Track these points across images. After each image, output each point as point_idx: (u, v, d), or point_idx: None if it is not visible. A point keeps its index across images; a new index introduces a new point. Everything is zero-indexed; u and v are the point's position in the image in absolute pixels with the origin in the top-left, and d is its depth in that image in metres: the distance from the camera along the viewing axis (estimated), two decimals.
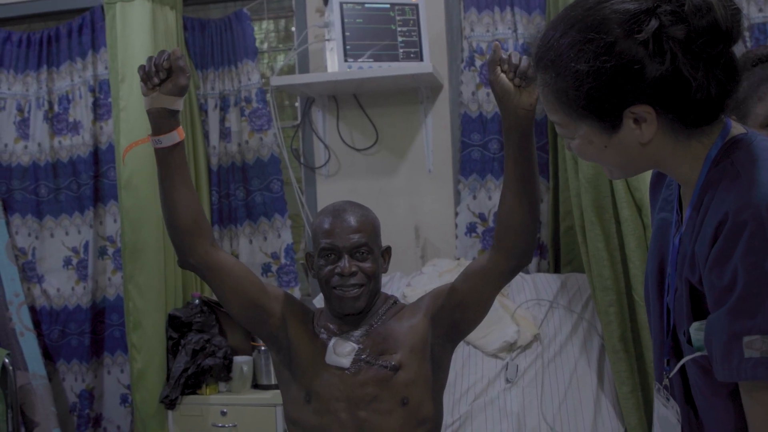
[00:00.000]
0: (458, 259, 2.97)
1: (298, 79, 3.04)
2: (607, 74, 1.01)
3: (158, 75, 1.58)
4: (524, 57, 1.49)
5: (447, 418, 2.37)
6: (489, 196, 3.09)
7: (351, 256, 1.68)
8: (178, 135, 1.63)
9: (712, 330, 1.01)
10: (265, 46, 3.53)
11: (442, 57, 3.14)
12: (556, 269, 3.00)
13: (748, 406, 0.99)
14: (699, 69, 1.00)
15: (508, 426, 2.34)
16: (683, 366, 1.12)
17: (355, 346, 1.70)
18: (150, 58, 1.59)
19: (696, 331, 1.06)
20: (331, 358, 1.70)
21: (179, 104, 1.62)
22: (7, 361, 2.94)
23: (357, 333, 1.72)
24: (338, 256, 1.68)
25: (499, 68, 1.51)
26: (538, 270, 3.05)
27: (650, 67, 1.00)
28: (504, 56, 1.50)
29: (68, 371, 3.39)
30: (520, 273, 2.89)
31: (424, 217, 3.18)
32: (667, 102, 1.02)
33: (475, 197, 3.09)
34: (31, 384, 3.16)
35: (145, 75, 1.59)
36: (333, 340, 1.72)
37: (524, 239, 1.63)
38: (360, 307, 1.69)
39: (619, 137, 1.06)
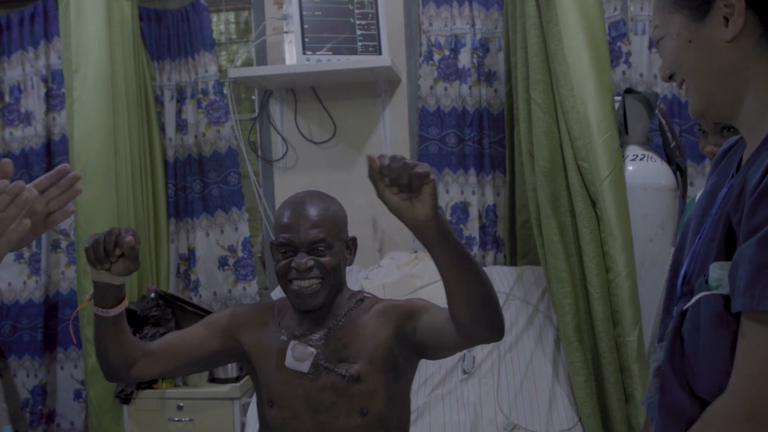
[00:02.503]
0: (416, 252, 2.98)
1: (255, 71, 3.03)
2: None
3: (109, 260, 1.50)
4: (403, 164, 1.27)
5: None
6: (446, 190, 3.12)
7: (309, 252, 1.63)
8: (123, 305, 1.58)
9: (740, 258, 0.96)
10: (224, 38, 3.50)
11: (401, 51, 3.15)
12: (513, 262, 3.04)
13: (754, 334, 0.95)
14: None
15: (466, 416, 2.36)
16: (680, 315, 1.10)
17: (313, 351, 1.66)
18: (98, 242, 1.48)
19: (717, 269, 1.02)
20: (289, 362, 1.66)
21: (125, 279, 1.56)
22: None
23: (316, 336, 1.68)
24: (295, 251, 1.63)
25: (381, 183, 1.30)
26: (495, 263, 3.09)
27: None
28: (384, 163, 1.28)
29: (20, 367, 3.33)
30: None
31: (382, 210, 3.15)
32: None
33: None
34: None
35: (95, 259, 1.49)
36: (291, 344, 1.68)
37: (482, 330, 1.46)
38: (318, 303, 1.65)
39: (705, 30, 1.08)
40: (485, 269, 2.85)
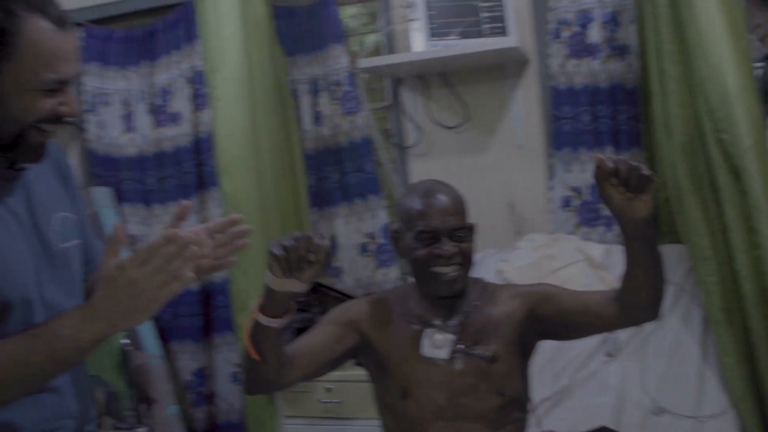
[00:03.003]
0: (553, 233, 2.96)
1: (384, 60, 3.08)
2: None
3: (302, 266, 1.43)
4: (630, 165, 1.39)
5: (546, 391, 2.40)
6: (583, 169, 3.06)
7: (450, 238, 1.67)
8: (293, 312, 1.53)
9: None
10: (352, 29, 3.57)
11: (529, 30, 3.12)
12: None
13: None
14: None
15: (609, 399, 2.34)
16: None
17: (452, 336, 1.69)
18: (289, 249, 1.40)
19: None
20: (427, 350, 1.70)
21: (309, 285, 1.50)
22: (125, 341, 3.12)
23: (453, 322, 1.71)
24: (436, 238, 1.66)
25: (607, 184, 1.42)
26: None
27: None
28: (611, 166, 1.39)
29: (182, 351, 3.57)
30: (618, 245, 2.87)
31: (516, 192, 3.18)
32: None
33: (568, 170, 3.07)
34: (149, 363, 3.34)
35: (287, 266, 1.41)
36: (427, 332, 1.71)
37: (651, 312, 1.63)
38: (458, 289, 1.69)
39: None
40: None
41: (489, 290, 1.78)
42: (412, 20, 3.03)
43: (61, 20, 1.28)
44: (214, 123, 3.13)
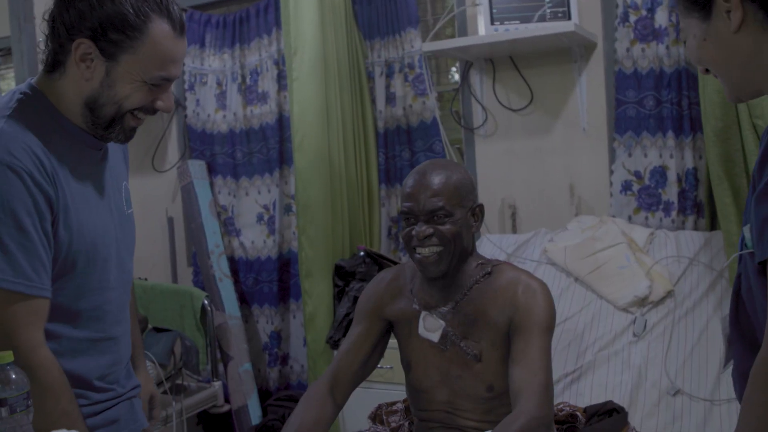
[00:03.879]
0: (606, 216, 2.98)
1: (447, 44, 3.18)
2: None
3: None
4: None
5: (569, 366, 2.46)
6: (644, 154, 3.06)
7: (428, 221, 1.69)
8: None
9: (749, 217, 1.12)
10: (429, 15, 3.69)
11: (596, 14, 3.13)
12: (713, 227, 2.92)
13: None
14: None
15: (629, 377, 2.37)
16: (737, 278, 1.24)
17: (442, 323, 1.75)
18: None
19: (747, 230, 1.16)
20: (421, 331, 1.78)
21: None
22: (206, 302, 3.41)
23: (444, 309, 1.76)
24: (416, 219, 1.70)
25: None
26: (695, 228, 2.97)
27: None
28: None
29: (261, 314, 3.84)
30: (664, 230, 2.86)
31: (578, 175, 3.21)
32: None
33: (630, 155, 3.08)
34: (227, 323, 3.63)
35: None
36: (422, 314, 1.78)
37: None
38: (441, 270, 1.71)
39: (714, 28, 1.17)
40: (672, 233, 2.79)
41: (492, 278, 1.75)
42: (477, 5, 3.11)
43: (181, 27, 1.44)
44: (290, 102, 3.34)
